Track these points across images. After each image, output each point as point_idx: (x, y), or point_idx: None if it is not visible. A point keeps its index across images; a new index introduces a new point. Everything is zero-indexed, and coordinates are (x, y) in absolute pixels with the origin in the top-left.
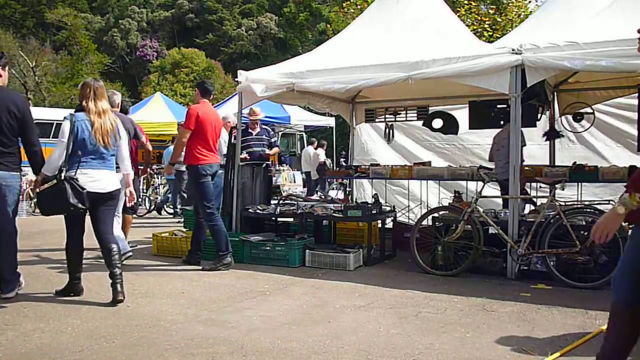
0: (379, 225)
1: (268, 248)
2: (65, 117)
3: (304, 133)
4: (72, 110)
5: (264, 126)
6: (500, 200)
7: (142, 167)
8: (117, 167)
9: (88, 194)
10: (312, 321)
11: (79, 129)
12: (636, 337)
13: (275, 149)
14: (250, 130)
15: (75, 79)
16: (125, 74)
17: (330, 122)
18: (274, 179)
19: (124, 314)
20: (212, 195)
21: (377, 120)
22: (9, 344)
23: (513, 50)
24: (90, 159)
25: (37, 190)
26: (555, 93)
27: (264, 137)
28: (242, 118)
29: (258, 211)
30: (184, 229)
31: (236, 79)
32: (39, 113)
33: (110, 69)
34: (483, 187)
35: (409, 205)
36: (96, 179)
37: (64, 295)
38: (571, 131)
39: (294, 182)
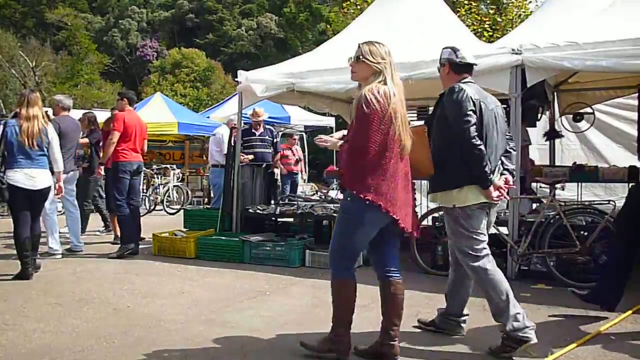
0: None
1: (268, 248)
2: None
3: (304, 133)
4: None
5: (267, 126)
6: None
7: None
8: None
9: (18, 189)
10: (312, 321)
11: (8, 133)
12: None
13: (278, 155)
14: (253, 131)
15: (76, 79)
16: (126, 74)
17: (331, 122)
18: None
19: (124, 314)
20: (126, 190)
21: None
22: (9, 344)
23: (513, 50)
24: (21, 159)
25: None
26: (555, 93)
27: (267, 137)
28: (246, 119)
29: (258, 211)
30: (184, 229)
31: (236, 79)
32: None
33: (110, 69)
34: None
35: None
36: (30, 176)
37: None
38: (571, 131)
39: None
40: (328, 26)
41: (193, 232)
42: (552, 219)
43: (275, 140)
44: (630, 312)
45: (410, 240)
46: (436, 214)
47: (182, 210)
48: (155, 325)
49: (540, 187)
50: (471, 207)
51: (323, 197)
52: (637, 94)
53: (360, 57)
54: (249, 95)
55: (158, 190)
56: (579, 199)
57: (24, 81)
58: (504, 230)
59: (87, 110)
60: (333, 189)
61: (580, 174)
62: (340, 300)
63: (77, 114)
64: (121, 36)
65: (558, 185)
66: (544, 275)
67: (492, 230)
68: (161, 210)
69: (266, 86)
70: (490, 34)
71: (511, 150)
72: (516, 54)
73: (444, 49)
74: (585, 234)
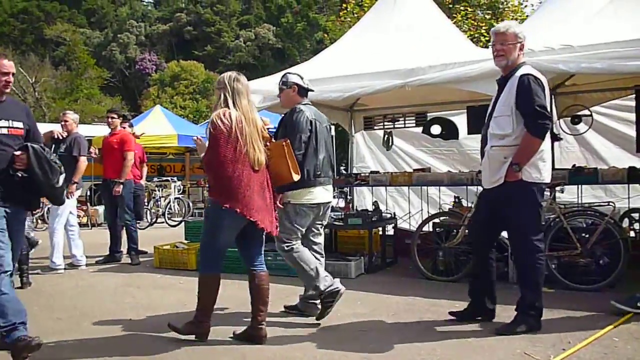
0: (380, 233)
1: (269, 258)
2: None
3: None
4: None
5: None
6: None
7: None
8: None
9: None
10: (313, 329)
11: None
12: None
13: None
14: None
15: (75, 94)
16: (125, 88)
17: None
18: None
19: (126, 328)
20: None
21: (375, 127)
22: None
23: None
24: None
25: None
26: (552, 96)
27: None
28: None
29: None
30: (186, 241)
31: None
32: (39, 129)
33: (109, 83)
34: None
35: (409, 212)
36: None
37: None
38: (570, 134)
39: None
40: (325, 35)
41: (194, 244)
42: (552, 222)
43: None
44: (631, 313)
45: (411, 247)
46: (437, 220)
47: (183, 223)
48: (158, 338)
49: None
50: (301, 207)
51: None
52: (634, 95)
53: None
54: None
55: (159, 202)
56: (579, 202)
57: (24, 97)
58: (504, 234)
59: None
60: (335, 198)
61: (579, 176)
62: (205, 291)
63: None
64: (120, 50)
65: (558, 188)
66: (546, 278)
67: None
68: (162, 222)
69: (264, 96)
70: (487, 39)
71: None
72: None
73: (290, 74)
74: (586, 236)
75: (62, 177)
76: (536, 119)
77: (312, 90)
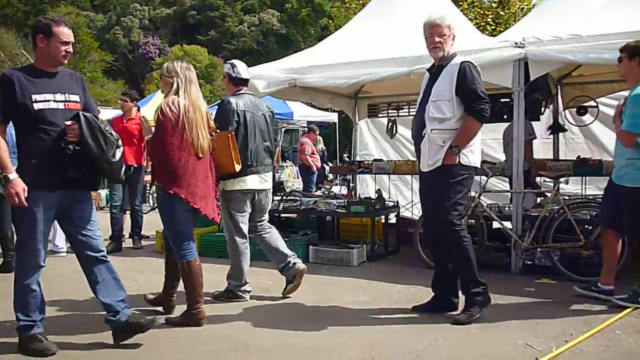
0: (383, 221)
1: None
2: None
3: (306, 129)
4: None
5: None
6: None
7: None
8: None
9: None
10: (315, 317)
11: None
12: None
13: (277, 149)
14: None
15: None
16: (128, 72)
17: (333, 117)
18: (276, 175)
19: None
20: None
21: (379, 115)
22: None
23: (516, 43)
24: (12, 157)
25: None
26: (558, 86)
27: None
28: None
29: None
30: None
31: None
32: None
33: (112, 66)
34: (487, 181)
35: (412, 200)
36: None
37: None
38: (575, 125)
39: (298, 177)
40: (330, 21)
41: (196, 229)
42: (556, 213)
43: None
44: (634, 306)
45: (414, 236)
46: None
47: None
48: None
49: (545, 181)
50: (234, 193)
51: (326, 192)
52: None
53: (162, 74)
54: (250, 91)
55: None
56: (583, 193)
57: None
58: (507, 224)
59: None
60: (337, 185)
61: (584, 167)
62: (189, 279)
63: None
64: (123, 34)
65: (562, 179)
66: (548, 269)
67: (496, 225)
68: None
69: (268, 82)
70: (493, 27)
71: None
72: (519, 47)
73: (226, 63)
74: (590, 228)
75: (118, 151)
76: (479, 104)
77: (246, 79)
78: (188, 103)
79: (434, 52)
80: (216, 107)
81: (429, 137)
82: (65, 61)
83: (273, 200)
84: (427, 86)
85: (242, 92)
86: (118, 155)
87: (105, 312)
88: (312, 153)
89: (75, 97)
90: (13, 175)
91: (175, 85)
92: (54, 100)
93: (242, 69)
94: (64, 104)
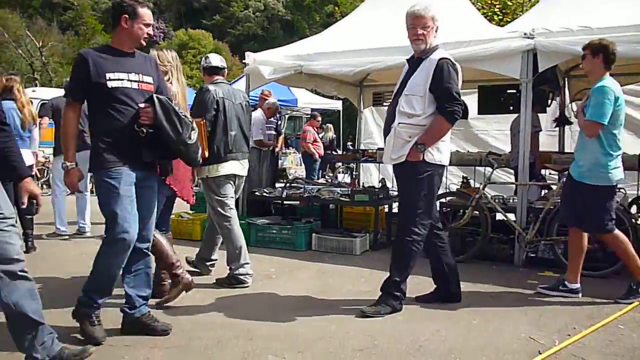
0: (386, 210)
1: (274, 231)
2: None
3: (310, 115)
4: None
5: None
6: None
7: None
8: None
9: None
10: (318, 306)
11: (8, 116)
12: None
13: (281, 137)
14: None
15: None
16: None
17: (338, 105)
18: (279, 162)
19: None
20: None
21: (385, 104)
22: None
23: (525, 34)
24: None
25: None
26: (566, 78)
27: (273, 120)
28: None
29: (264, 194)
30: (191, 212)
31: (243, 61)
32: (45, 94)
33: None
34: (492, 173)
35: None
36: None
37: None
38: None
39: (300, 164)
40: (336, 8)
41: (199, 215)
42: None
43: (279, 123)
44: (638, 302)
45: None
46: (443, 200)
47: None
48: (161, 309)
49: (550, 173)
50: (219, 178)
51: (329, 180)
52: None
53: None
54: (256, 77)
55: None
56: None
57: (31, 61)
58: (511, 216)
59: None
60: (340, 173)
61: None
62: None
63: None
64: None
65: (566, 173)
66: (552, 262)
67: (500, 217)
68: None
69: (274, 68)
70: (500, 17)
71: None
72: (528, 38)
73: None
74: None
75: (194, 133)
76: (452, 105)
77: (220, 67)
78: (178, 90)
79: (415, 44)
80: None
81: (395, 131)
82: (145, 43)
83: (276, 187)
84: (404, 78)
85: (219, 80)
86: (194, 137)
87: (124, 301)
88: (314, 141)
89: (149, 79)
90: (71, 164)
91: (170, 73)
92: (128, 80)
93: (214, 59)
94: (138, 84)
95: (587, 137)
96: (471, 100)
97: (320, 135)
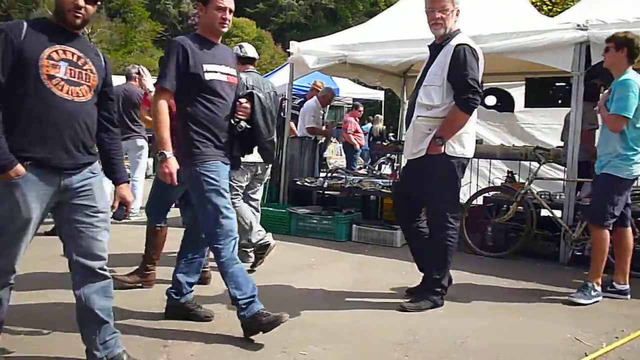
0: None
1: (315, 221)
2: None
3: (351, 106)
4: (123, 78)
5: None
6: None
7: None
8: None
9: None
10: (357, 298)
11: None
12: None
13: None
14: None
15: (129, 46)
16: None
17: (380, 95)
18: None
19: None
20: None
21: None
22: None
23: (578, 26)
24: None
25: None
26: None
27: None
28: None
29: (306, 183)
30: None
31: (287, 50)
32: None
33: (162, 37)
34: (538, 168)
35: None
36: None
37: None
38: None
39: (341, 154)
40: None
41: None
42: None
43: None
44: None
45: (459, 220)
46: (488, 194)
47: None
48: (200, 296)
49: None
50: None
51: (371, 171)
52: None
53: None
54: (300, 66)
55: None
56: None
57: None
58: (558, 213)
59: None
60: (384, 163)
61: None
62: (153, 242)
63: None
64: (173, 4)
65: None
66: None
67: (545, 213)
68: None
69: (318, 58)
70: (550, 7)
71: None
72: (582, 30)
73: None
74: None
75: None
76: (467, 93)
77: (253, 58)
78: None
79: (434, 29)
80: (266, 79)
81: (414, 124)
82: (224, 29)
83: (318, 176)
84: (425, 67)
85: (250, 70)
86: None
87: (171, 285)
88: (355, 131)
89: (234, 72)
90: (169, 154)
91: None
92: (221, 72)
93: (249, 49)
94: (227, 77)
95: (611, 132)
96: (517, 93)
97: (370, 127)
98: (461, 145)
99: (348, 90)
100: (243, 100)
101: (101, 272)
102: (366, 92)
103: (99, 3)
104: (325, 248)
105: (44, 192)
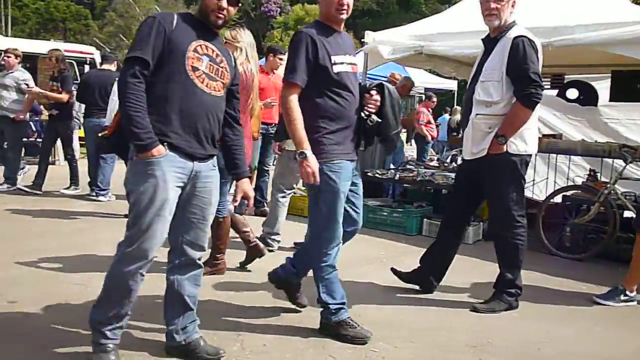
0: None
1: (385, 214)
2: None
3: (423, 95)
4: None
5: None
6: None
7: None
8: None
9: None
10: (427, 295)
11: None
12: None
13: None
14: None
15: None
16: (249, 29)
17: (452, 85)
18: None
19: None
20: None
21: None
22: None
23: None
24: None
25: None
26: None
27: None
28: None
29: (377, 175)
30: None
31: (362, 40)
32: None
33: (235, 23)
34: (625, 167)
35: (534, 179)
36: None
37: None
38: None
39: (411, 145)
40: None
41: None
42: None
43: None
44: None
45: (536, 218)
46: (567, 193)
47: None
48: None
49: None
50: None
51: (442, 163)
52: None
53: (227, 39)
54: (375, 56)
55: None
56: None
57: None
58: (627, 213)
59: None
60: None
61: None
62: (218, 233)
63: None
64: None
65: None
66: None
67: (629, 214)
68: None
69: (393, 48)
70: None
71: None
72: None
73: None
74: None
75: None
76: (529, 88)
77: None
78: (255, 69)
79: (488, 20)
80: None
81: (473, 123)
82: (343, 16)
83: (389, 169)
84: (480, 61)
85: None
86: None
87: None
88: (428, 122)
89: (355, 60)
90: (309, 152)
91: (243, 50)
92: (347, 63)
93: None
94: (351, 67)
95: None
96: (600, 86)
97: (448, 118)
98: (523, 141)
99: (421, 79)
100: (373, 92)
101: (198, 261)
102: (438, 81)
103: (240, 5)
104: (395, 242)
105: (181, 173)
